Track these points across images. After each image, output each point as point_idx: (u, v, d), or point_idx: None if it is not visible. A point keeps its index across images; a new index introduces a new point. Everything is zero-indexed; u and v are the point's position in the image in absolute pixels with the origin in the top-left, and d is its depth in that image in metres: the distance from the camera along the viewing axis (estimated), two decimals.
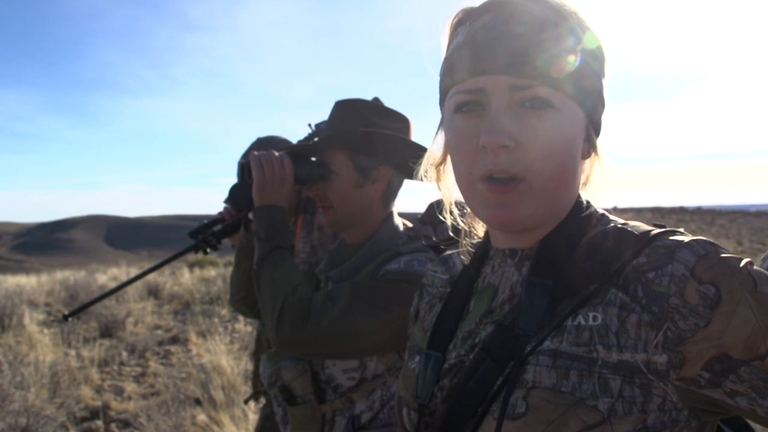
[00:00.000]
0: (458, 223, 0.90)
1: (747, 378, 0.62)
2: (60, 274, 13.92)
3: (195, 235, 1.92)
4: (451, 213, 0.90)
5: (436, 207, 1.46)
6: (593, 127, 0.76)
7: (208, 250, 1.90)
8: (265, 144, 2.33)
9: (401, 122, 1.44)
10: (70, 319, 1.82)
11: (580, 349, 0.66)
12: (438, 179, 0.88)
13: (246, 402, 2.54)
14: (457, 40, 0.74)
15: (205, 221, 1.97)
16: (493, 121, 0.69)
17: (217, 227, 1.97)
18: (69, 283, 11.14)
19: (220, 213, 2.07)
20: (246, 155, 2.32)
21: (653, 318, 0.64)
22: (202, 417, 4.35)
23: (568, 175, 0.72)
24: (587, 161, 0.78)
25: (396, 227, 1.44)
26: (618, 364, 0.64)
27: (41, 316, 8.41)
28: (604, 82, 0.75)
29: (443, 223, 1.43)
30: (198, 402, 4.69)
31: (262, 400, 2.48)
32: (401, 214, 1.52)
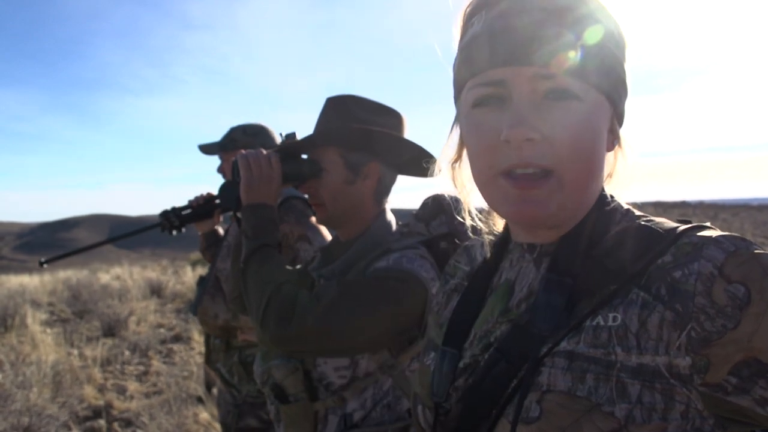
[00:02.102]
0: (477, 223, 0.86)
1: None
2: (63, 274, 13.94)
3: (162, 216, 2.05)
4: (470, 213, 0.86)
5: (428, 203, 1.45)
6: (617, 118, 0.73)
7: (174, 231, 2.03)
8: (253, 132, 2.38)
9: (394, 118, 1.43)
10: (45, 265, 1.94)
11: (598, 351, 0.63)
12: (454, 177, 0.84)
13: (209, 390, 2.64)
14: (473, 31, 0.71)
15: (177, 206, 2.09)
16: (516, 114, 0.66)
17: (186, 212, 2.07)
18: (72, 283, 11.17)
19: (189, 201, 2.17)
20: (229, 134, 2.40)
21: (676, 317, 0.60)
22: (204, 415, 4.36)
23: (596, 168, 0.69)
24: (611, 154, 0.75)
25: (388, 224, 1.44)
26: (637, 368, 0.61)
27: (44, 316, 8.43)
28: (627, 68, 0.72)
29: (437, 218, 1.43)
30: (200, 400, 4.69)
31: (215, 391, 2.56)
32: (396, 211, 1.50)
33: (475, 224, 0.87)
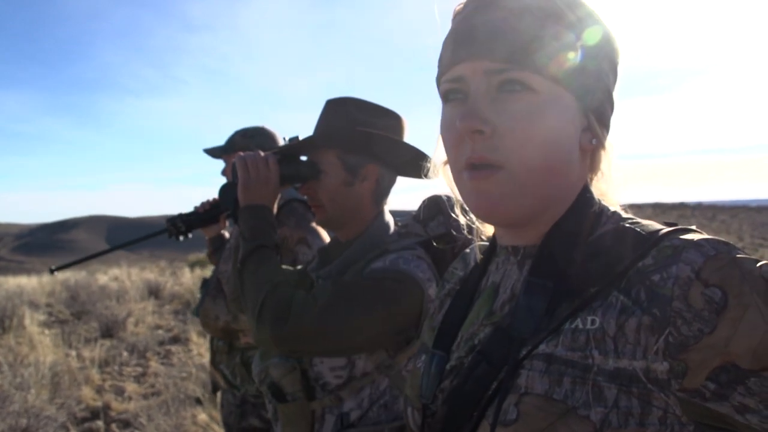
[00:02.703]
0: (472, 222, 0.87)
1: (757, 391, 0.57)
2: (61, 275, 13.93)
3: (168, 222, 2.07)
4: (465, 212, 0.85)
5: (426, 204, 1.46)
6: (595, 115, 0.71)
7: (181, 237, 2.05)
8: (251, 134, 2.42)
9: (393, 119, 1.44)
10: (55, 272, 1.95)
11: (575, 354, 0.63)
12: (446, 176, 0.84)
13: (214, 392, 2.66)
14: (448, 32, 0.74)
15: (183, 212, 2.11)
16: (468, 107, 0.68)
17: (192, 218, 2.10)
18: (70, 284, 11.15)
19: (195, 206, 2.20)
20: (231, 137, 2.42)
21: (654, 321, 0.59)
22: (202, 416, 4.35)
23: (556, 164, 0.68)
24: (599, 153, 0.74)
25: (387, 225, 1.45)
26: (614, 372, 0.60)
27: (42, 317, 8.42)
28: (605, 66, 0.71)
29: (435, 219, 1.43)
30: (199, 401, 4.69)
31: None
32: (396, 212, 1.51)
33: (470, 223, 0.87)
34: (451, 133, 0.71)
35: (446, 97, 0.72)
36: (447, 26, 0.77)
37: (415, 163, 1.42)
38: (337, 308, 1.23)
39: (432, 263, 1.37)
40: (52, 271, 1.93)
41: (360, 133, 1.37)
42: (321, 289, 1.28)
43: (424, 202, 1.47)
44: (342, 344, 1.27)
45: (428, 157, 1.39)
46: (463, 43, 0.69)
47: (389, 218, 1.47)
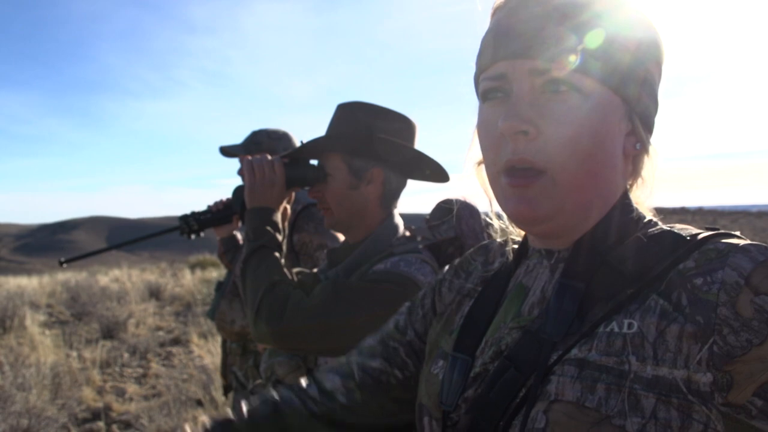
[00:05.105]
0: (507, 226, 0.83)
1: None
2: (62, 276, 13.93)
3: (181, 220, 2.08)
4: (498, 216, 0.82)
5: (437, 207, 1.46)
6: (640, 119, 0.68)
7: (192, 236, 2.06)
8: (278, 137, 2.42)
9: (402, 123, 1.44)
10: (64, 265, 1.93)
11: (611, 359, 0.58)
12: (479, 177, 0.80)
13: (225, 394, 2.66)
14: (487, 29, 0.72)
15: (196, 210, 2.13)
16: (511, 107, 0.64)
17: (205, 217, 2.12)
18: (70, 285, 11.16)
19: (209, 205, 2.22)
20: (253, 137, 2.43)
21: (698, 329, 0.56)
22: (203, 418, 4.35)
23: (598, 169, 0.65)
24: (642, 158, 0.71)
25: (394, 227, 1.46)
26: (653, 380, 0.56)
27: (43, 318, 8.43)
28: (653, 69, 0.69)
29: (445, 223, 1.44)
30: (199, 403, 4.70)
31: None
32: (405, 215, 1.52)
33: (504, 226, 0.83)
34: (489, 134, 0.68)
35: (485, 95, 0.69)
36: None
37: (420, 167, 1.43)
38: (333, 308, 1.25)
39: (439, 267, 1.37)
40: (61, 263, 1.93)
41: (362, 137, 1.38)
42: (320, 289, 1.29)
43: (437, 205, 1.48)
44: (337, 343, 1.27)
45: (432, 159, 1.40)
46: (504, 40, 0.66)
47: (398, 221, 1.48)
